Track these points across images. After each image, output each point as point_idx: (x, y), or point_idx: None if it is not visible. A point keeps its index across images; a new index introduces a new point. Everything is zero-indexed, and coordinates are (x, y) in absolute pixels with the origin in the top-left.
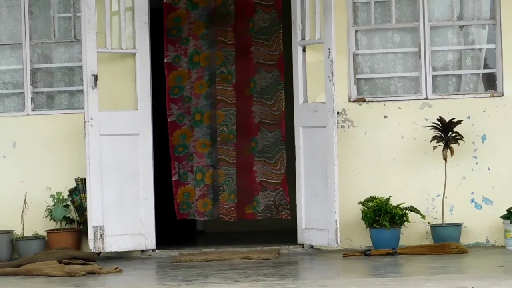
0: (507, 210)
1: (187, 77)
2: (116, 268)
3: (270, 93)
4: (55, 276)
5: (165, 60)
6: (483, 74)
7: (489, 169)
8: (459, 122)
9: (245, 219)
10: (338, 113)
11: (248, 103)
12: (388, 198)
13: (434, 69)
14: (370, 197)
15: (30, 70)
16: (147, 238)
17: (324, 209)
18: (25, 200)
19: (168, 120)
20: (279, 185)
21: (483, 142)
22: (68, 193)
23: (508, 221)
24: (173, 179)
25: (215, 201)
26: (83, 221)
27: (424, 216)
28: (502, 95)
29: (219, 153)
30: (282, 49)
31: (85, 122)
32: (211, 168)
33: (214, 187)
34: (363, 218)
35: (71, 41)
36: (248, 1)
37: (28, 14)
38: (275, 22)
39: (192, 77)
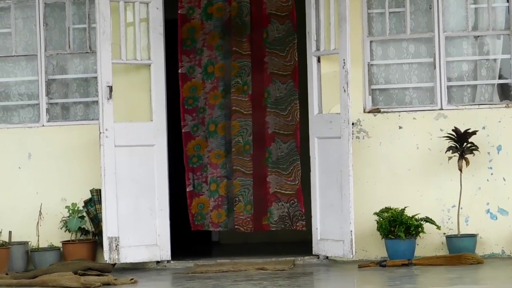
0: None
1: (201, 87)
2: (132, 279)
3: (285, 104)
4: (70, 287)
5: (179, 71)
6: (498, 84)
7: (504, 179)
8: (474, 132)
9: (261, 230)
10: (353, 123)
11: (262, 114)
12: (404, 209)
13: (449, 79)
14: (385, 207)
15: (45, 81)
16: (162, 249)
17: (339, 220)
18: (40, 211)
19: (183, 130)
20: (293, 196)
21: (498, 152)
22: (83, 204)
23: None
24: (188, 190)
25: (230, 212)
26: (98, 232)
27: (440, 227)
28: None
29: (234, 164)
30: (296, 59)
31: (100, 133)
32: (225, 179)
33: (228, 198)
34: (378, 229)
35: (86, 52)
36: (263, 11)
37: (44, 25)
38: (289, 32)
39: (206, 87)
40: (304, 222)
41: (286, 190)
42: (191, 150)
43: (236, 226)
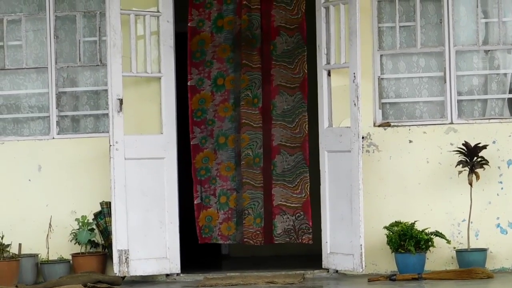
0: None
1: (210, 99)
2: None
3: (292, 116)
4: None
5: (188, 83)
6: (508, 98)
7: None
8: (484, 147)
9: (270, 243)
10: (363, 137)
11: (269, 126)
12: (414, 223)
13: (459, 93)
14: (395, 221)
15: (56, 94)
16: (172, 262)
17: (349, 233)
18: (50, 224)
19: (191, 143)
20: (299, 209)
21: (508, 166)
22: (93, 217)
23: None
24: (195, 202)
25: (239, 225)
26: (108, 244)
27: (450, 241)
28: None
29: (243, 176)
30: (306, 71)
31: (110, 145)
32: (235, 191)
33: (237, 211)
34: (388, 243)
35: (97, 65)
36: (272, 24)
37: (54, 38)
38: (298, 45)
39: (215, 99)
40: (310, 236)
41: (292, 203)
42: (199, 162)
43: (245, 239)
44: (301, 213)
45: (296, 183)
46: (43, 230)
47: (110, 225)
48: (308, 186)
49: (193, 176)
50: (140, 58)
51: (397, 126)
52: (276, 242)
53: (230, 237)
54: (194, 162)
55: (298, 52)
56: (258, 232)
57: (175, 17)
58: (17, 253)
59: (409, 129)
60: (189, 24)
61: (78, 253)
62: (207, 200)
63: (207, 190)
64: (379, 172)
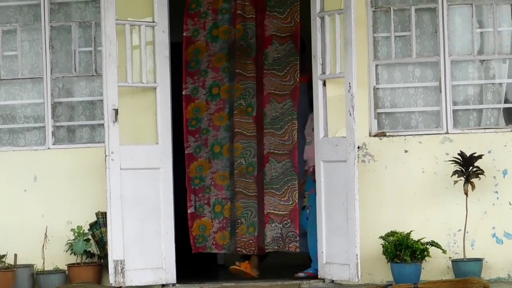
0: None
1: (205, 108)
2: None
3: (280, 123)
4: None
5: (183, 93)
6: (503, 108)
7: (510, 203)
8: (480, 156)
9: (263, 252)
10: (358, 147)
11: (261, 135)
12: (409, 233)
13: (454, 103)
14: (391, 231)
15: (51, 104)
16: (167, 273)
17: (345, 243)
18: (45, 234)
19: (186, 152)
20: (286, 217)
21: (504, 176)
22: (88, 227)
23: None
24: (189, 211)
25: (232, 234)
26: (104, 255)
27: (445, 251)
28: None
29: (236, 185)
30: (298, 79)
31: (106, 156)
32: (229, 201)
33: (231, 220)
34: (384, 253)
35: (92, 75)
36: (265, 33)
37: (49, 48)
38: (290, 53)
39: (210, 108)
40: (297, 244)
41: (279, 211)
42: (193, 171)
43: (238, 249)
44: (288, 220)
45: (283, 190)
46: (39, 241)
47: (106, 235)
48: (296, 194)
49: (187, 185)
50: (136, 68)
51: (393, 136)
52: (266, 251)
53: (225, 247)
54: (189, 171)
55: (290, 60)
56: (251, 241)
57: (170, 27)
58: (12, 263)
59: (405, 139)
60: (184, 34)
61: (74, 264)
62: (201, 210)
63: (201, 199)
64: (375, 182)
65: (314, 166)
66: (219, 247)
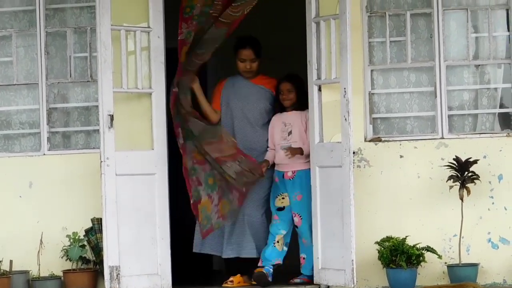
0: None
1: None
2: None
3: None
4: None
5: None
6: (499, 113)
7: (505, 208)
8: (475, 161)
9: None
10: (354, 152)
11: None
12: (405, 238)
13: (450, 108)
14: (387, 237)
15: (47, 110)
16: (163, 279)
17: (341, 249)
18: (41, 240)
19: (180, 142)
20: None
21: (499, 181)
22: (84, 233)
23: None
24: (191, 202)
25: (232, 201)
26: (99, 261)
27: (441, 256)
28: None
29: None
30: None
31: (101, 162)
32: (215, 170)
33: (226, 188)
34: (379, 258)
35: (87, 81)
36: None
37: (45, 54)
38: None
39: None
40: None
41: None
42: (186, 160)
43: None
44: None
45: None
46: (34, 247)
47: (101, 241)
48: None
49: (185, 176)
50: (131, 74)
51: (388, 141)
52: None
53: (228, 215)
54: (185, 162)
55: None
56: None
57: (165, 32)
58: (8, 269)
59: (400, 144)
60: (179, 38)
61: (70, 270)
62: (196, 194)
63: (193, 184)
64: (370, 187)
65: (295, 171)
66: (225, 217)
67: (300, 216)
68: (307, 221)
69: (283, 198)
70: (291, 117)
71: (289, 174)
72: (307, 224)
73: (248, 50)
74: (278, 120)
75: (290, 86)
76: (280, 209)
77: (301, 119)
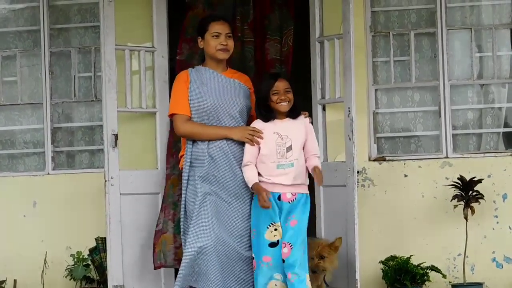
0: None
1: None
2: None
3: None
4: None
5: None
6: (503, 133)
7: (510, 228)
8: (479, 181)
9: None
10: (358, 172)
11: None
12: (409, 257)
13: (454, 127)
14: (391, 256)
15: (51, 130)
16: None
17: (345, 268)
18: (45, 260)
19: (166, 173)
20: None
21: (503, 200)
22: (88, 253)
23: None
24: (156, 229)
25: None
26: (103, 280)
27: (445, 275)
28: None
29: None
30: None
31: (105, 181)
32: None
33: None
34: (383, 278)
35: (92, 100)
36: (266, 57)
37: (49, 73)
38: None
39: None
40: None
41: None
42: (168, 189)
43: None
44: None
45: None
46: (38, 266)
47: (105, 260)
48: None
49: (161, 203)
50: (135, 93)
51: (392, 160)
52: None
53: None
54: (165, 190)
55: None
56: None
57: (169, 52)
58: None
59: (404, 164)
60: (177, 58)
61: None
62: (165, 226)
63: (166, 215)
64: (375, 207)
65: (296, 193)
66: (180, 263)
67: (291, 246)
68: (299, 250)
69: (275, 230)
70: (287, 127)
71: (288, 196)
72: (299, 252)
73: (222, 23)
74: (268, 130)
75: (288, 85)
76: (273, 244)
77: (300, 130)
